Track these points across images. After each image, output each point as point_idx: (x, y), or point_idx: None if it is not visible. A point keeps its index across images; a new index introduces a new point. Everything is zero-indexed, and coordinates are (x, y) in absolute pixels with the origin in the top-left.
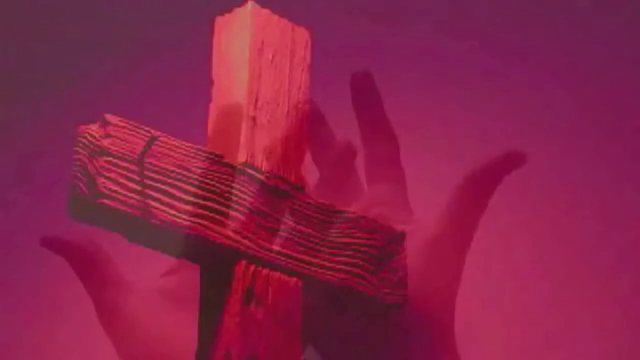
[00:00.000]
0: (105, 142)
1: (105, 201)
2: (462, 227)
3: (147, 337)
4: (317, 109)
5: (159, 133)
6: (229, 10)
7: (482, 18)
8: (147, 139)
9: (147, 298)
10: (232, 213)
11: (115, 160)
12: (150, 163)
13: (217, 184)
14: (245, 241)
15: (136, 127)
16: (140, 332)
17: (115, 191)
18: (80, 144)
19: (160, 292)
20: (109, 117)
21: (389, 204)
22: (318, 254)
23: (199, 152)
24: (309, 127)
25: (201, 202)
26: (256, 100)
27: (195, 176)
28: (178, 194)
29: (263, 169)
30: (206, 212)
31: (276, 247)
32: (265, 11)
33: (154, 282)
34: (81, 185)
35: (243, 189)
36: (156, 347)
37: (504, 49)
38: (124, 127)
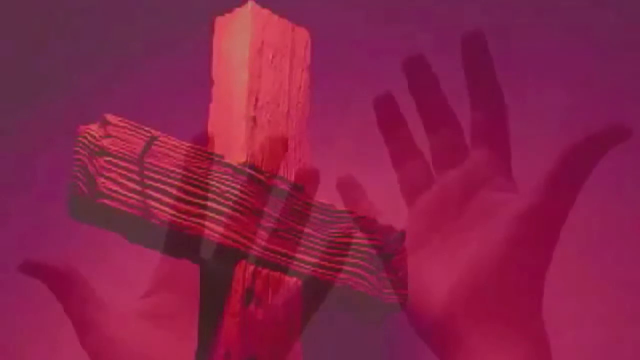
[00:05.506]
0: (105, 142)
1: (105, 201)
2: (559, 200)
3: (126, 352)
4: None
5: (159, 133)
6: (229, 10)
7: (482, 18)
8: (147, 139)
9: (124, 315)
10: (232, 213)
11: (115, 160)
12: (150, 163)
13: (217, 184)
14: (245, 241)
15: (136, 127)
16: (118, 347)
17: (115, 191)
18: (80, 144)
19: (138, 312)
20: (109, 117)
21: (490, 170)
22: (318, 254)
23: (199, 152)
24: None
25: (201, 202)
26: (256, 100)
27: (195, 176)
28: (178, 194)
29: (263, 169)
30: (206, 212)
31: (276, 247)
32: (265, 11)
33: (132, 303)
34: (81, 185)
35: (243, 189)
36: None
37: (503, 50)
38: (124, 127)
